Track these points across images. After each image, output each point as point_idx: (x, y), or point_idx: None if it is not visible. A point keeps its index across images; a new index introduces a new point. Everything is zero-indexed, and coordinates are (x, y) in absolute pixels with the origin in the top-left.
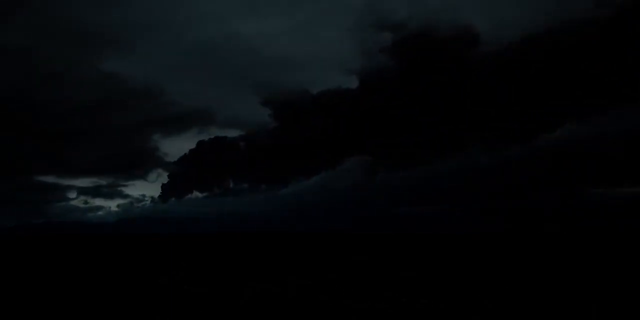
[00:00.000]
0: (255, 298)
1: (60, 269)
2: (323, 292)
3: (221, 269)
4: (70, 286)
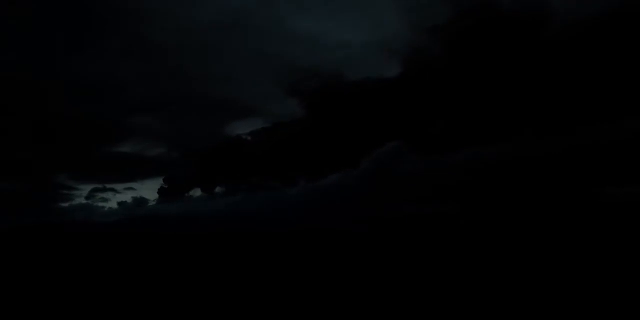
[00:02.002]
0: (256, 298)
1: (61, 269)
2: (322, 292)
3: (221, 269)
4: (71, 286)
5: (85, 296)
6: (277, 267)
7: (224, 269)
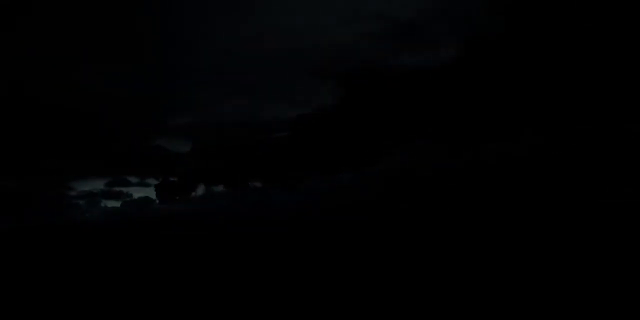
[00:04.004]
0: (256, 297)
1: (62, 269)
2: (321, 292)
3: (222, 269)
4: (71, 286)
5: (87, 297)
6: (277, 267)
7: (223, 269)
